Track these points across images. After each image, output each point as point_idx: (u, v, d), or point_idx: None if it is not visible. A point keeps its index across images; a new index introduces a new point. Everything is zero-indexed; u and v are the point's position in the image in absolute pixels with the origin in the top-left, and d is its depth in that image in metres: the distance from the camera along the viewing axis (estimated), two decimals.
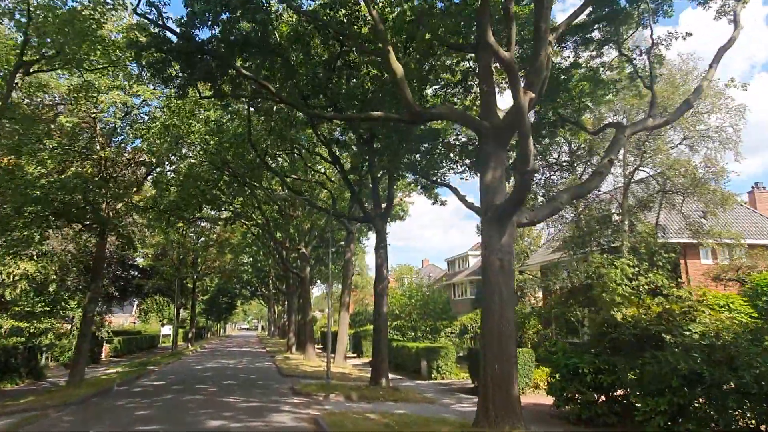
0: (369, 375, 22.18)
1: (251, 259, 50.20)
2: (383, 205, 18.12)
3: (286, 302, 50.42)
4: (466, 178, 16.15)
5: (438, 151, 15.21)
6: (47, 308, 25.63)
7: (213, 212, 30.86)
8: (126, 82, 17.04)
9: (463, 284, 45.42)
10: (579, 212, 24.35)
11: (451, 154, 14.65)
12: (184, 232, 39.95)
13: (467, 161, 14.98)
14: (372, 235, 37.67)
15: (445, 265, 55.18)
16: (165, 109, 19.20)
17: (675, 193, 22.16)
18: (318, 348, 37.68)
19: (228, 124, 22.75)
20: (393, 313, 26.63)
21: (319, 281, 53.30)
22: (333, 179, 27.60)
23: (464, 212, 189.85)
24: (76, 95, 14.12)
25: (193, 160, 24.89)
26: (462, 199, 13.19)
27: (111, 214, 17.53)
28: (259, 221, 31.15)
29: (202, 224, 42.32)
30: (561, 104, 13.56)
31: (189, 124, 18.56)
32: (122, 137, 18.86)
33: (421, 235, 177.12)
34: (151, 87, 17.09)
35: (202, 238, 44.38)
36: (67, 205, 15.13)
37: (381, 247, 17.20)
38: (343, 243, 31.90)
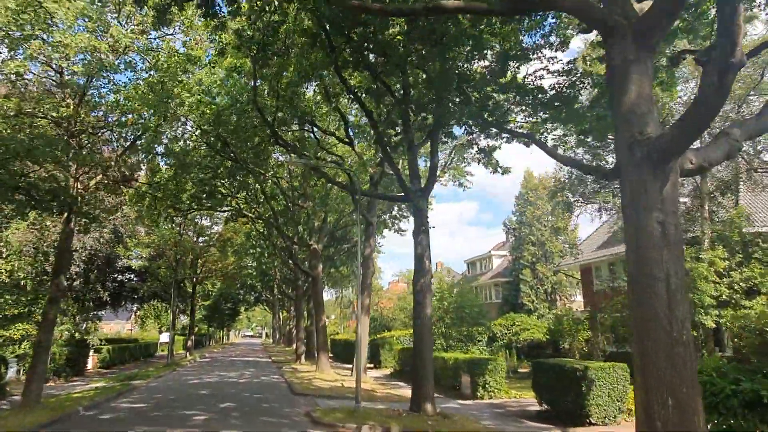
0: (396, 391, 18.57)
1: (255, 263, 46.55)
2: (422, 186, 14.38)
3: (292, 307, 46.67)
4: (555, 134, 12.21)
5: (513, 94, 11.18)
6: (18, 311, 21.92)
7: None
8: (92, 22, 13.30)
9: (487, 287, 41.60)
10: None
11: (539, 95, 10.72)
12: (182, 232, 36.51)
13: (557, 103, 10.98)
14: (386, 233, 33.80)
15: (460, 268, 51.40)
16: (152, 70, 15.67)
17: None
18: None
19: (223, 95, 19.19)
20: None
21: (327, 285, 49.61)
22: (351, 163, 24.02)
23: (467, 217, 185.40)
24: (17, 17, 10.48)
25: (190, 142, 21.37)
26: (554, 154, 9.44)
27: (78, 188, 13.83)
28: (266, 216, 27.49)
29: (202, 222, 39.00)
30: (686, 27, 9.79)
31: (180, 81, 14.93)
32: (95, 98, 15.12)
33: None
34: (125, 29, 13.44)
35: (202, 238, 40.96)
36: (12, 175, 11.50)
37: (422, 231, 13.43)
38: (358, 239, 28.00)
